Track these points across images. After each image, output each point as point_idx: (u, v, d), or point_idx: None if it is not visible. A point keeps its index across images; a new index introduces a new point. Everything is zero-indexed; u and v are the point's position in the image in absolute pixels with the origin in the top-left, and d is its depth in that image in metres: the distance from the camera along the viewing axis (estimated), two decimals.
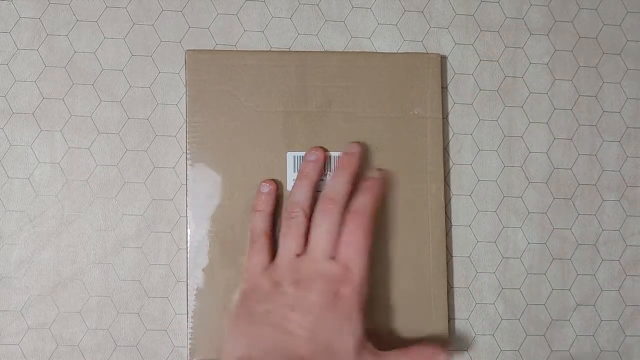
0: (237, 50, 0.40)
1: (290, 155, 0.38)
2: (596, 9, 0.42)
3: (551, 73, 0.42)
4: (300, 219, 0.35)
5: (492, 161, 0.41)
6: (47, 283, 0.38)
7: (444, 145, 0.39)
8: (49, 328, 0.38)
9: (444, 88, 0.41)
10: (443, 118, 0.40)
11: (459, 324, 0.40)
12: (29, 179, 0.38)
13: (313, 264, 0.34)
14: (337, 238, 0.34)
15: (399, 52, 0.41)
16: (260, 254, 0.35)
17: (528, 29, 0.42)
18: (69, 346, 0.38)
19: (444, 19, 0.41)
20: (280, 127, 0.38)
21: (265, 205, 0.36)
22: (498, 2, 0.42)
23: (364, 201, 0.35)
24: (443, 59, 0.41)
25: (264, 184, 0.37)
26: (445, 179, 0.39)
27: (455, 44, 0.41)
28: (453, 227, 0.40)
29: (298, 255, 0.34)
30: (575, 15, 0.42)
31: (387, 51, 0.41)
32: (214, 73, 0.38)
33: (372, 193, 0.36)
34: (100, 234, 0.39)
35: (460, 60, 0.41)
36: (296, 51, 0.40)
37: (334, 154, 0.38)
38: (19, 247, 0.38)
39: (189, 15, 0.40)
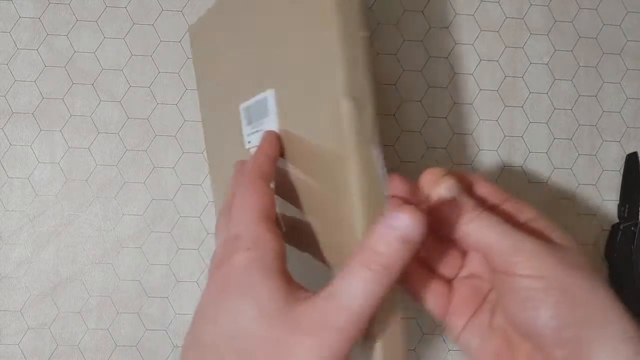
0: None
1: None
2: (596, 9, 0.42)
3: (551, 73, 0.42)
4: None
5: (492, 161, 0.41)
6: (47, 283, 0.38)
7: None
8: (49, 328, 0.38)
9: None
10: None
11: None
12: (28, 178, 0.38)
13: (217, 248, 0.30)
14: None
15: None
16: None
17: (528, 28, 0.42)
18: (68, 346, 0.38)
19: (444, 18, 0.41)
20: None
21: None
22: (498, 2, 0.42)
23: (249, 161, 0.31)
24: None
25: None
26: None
27: (456, 43, 0.41)
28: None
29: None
30: (576, 15, 0.42)
31: (387, 51, 0.41)
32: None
33: (259, 151, 0.31)
34: (100, 234, 0.39)
35: (460, 59, 0.41)
36: None
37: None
38: (19, 247, 0.38)
39: (189, 15, 0.40)
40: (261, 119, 0.31)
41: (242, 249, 0.27)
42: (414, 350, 0.40)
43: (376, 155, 0.27)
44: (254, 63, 0.31)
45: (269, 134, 0.32)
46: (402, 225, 0.24)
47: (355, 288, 0.25)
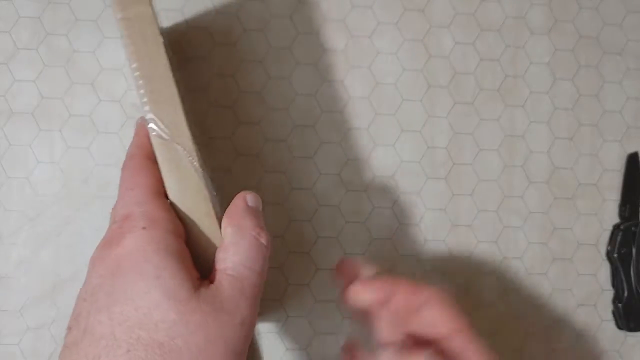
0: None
1: None
2: (597, 9, 0.42)
3: (552, 73, 0.42)
4: None
5: (493, 161, 0.41)
6: (47, 283, 0.38)
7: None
8: (49, 328, 0.38)
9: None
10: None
11: None
12: (28, 178, 0.38)
13: None
14: None
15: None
16: None
17: (529, 28, 0.42)
18: None
19: (444, 18, 0.41)
20: None
21: None
22: (499, 2, 0.42)
23: (131, 143, 0.30)
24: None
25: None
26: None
27: (456, 43, 0.41)
28: (453, 226, 0.40)
29: None
30: (576, 14, 0.42)
31: (387, 52, 0.41)
32: None
33: (140, 133, 0.30)
34: (99, 234, 0.38)
35: (460, 59, 0.41)
36: None
37: None
38: (18, 247, 0.38)
39: (189, 15, 0.40)
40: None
41: (136, 228, 0.25)
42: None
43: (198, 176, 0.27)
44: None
45: (142, 119, 0.31)
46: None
47: (251, 260, 0.26)
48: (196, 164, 0.27)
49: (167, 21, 0.40)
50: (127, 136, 0.39)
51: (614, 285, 0.41)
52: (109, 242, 0.26)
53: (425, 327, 0.29)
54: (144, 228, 0.25)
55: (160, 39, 0.27)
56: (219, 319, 0.24)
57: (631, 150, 0.42)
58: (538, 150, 0.41)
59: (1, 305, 0.38)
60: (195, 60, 0.40)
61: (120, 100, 0.39)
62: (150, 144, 0.28)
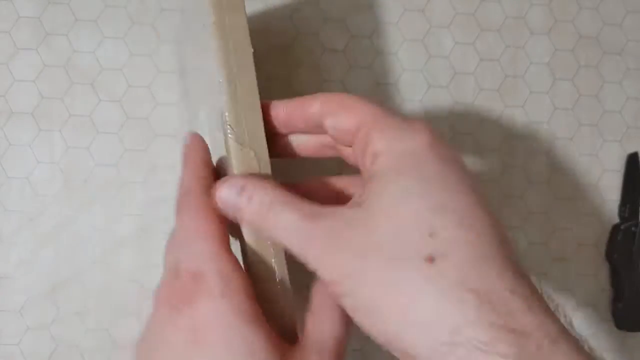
0: None
1: None
2: (597, 9, 0.42)
3: (552, 73, 0.42)
4: None
5: (493, 161, 0.41)
6: (47, 283, 0.38)
7: None
8: (48, 328, 0.38)
9: None
10: None
11: None
12: (28, 178, 0.38)
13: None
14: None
15: None
16: None
17: (529, 28, 0.42)
18: (68, 346, 0.38)
19: (444, 18, 0.41)
20: None
21: None
22: (499, 2, 0.42)
23: (186, 174, 0.28)
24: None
25: None
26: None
27: (456, 43, 0.41)
28: None
29: None
30: (576, 14, 0.42)
31: (387, 51, 0.41)
32: None
33: (184, 165, 0.28)
34: (99, 234, 0.39)
35: (460, 59, 0.41)
36: None
37: None
38: (18, 247, 0.38)
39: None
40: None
41: (213, 292, 0.23)
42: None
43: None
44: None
45: (194, 138, 0.29)
46: None
47: (329, 332, 0.24)
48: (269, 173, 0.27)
49: (277, 27, 0.40)
50: (127, 136, 0.39)
51: (613, 285, 0.41)
52: (178, 303, 0.24)
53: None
54: (222, 294, 0.23)
55: (251, 49, 0.27)
56: None
57: (631, 150, 0.42)
58: (538, 150, 0.41)
59: (1, 305, 0.38)
60: (277, 49, 0.39)
61: (120, 100, 0.39)
62: (206, 173, 0.27)
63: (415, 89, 0.41)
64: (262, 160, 0.27)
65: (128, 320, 0.38)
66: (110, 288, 0.38)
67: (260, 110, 0.27)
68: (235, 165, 0.27)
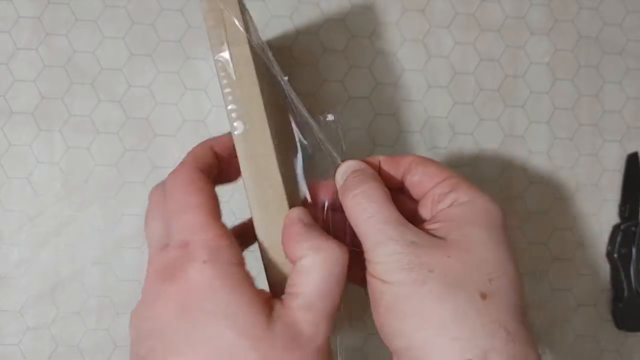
0: None
1: None
2: (597, 9, 0.42)
3: (552, 73, 0.42)
4: None
5: (493, 161, 0.41)
6: (47, 283, 0.38)
7: None
8: (49, 328, 0.38)
9: None
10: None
11: None
12: (28, 178, 0.38)
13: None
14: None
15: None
16: None
17: (529, 28, 0.42)
18: (68, 346, 0.38)
19: (444, 18, 0.41)
20: None
21: None
22: (499, 2, 0.42)
23: (188, 154, 0.29)
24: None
25: None
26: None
27: (456, 43, 0.41)
28: None
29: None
30: (576, 14, 0.42)
31: (387, 52, 0.41)
32: None
33: (201, 144, 0.29)
34: (99, 234, 0.39)
35: (460, 59, 0.41)
36: None
37: None
38: (18, 247, 0.38)
39: (189, 15, 0.40)
40: None
41: (197, 261, 0.24)
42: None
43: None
44: None
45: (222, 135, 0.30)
46: None
47: (320, 287, 0.25)
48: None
49: (277, 28, 0.40)
50: (127, 136, 0.39)
51: (613, 285, 0.41)
52: (167, 274, 0.25)
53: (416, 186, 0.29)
54: (205, 262, 0.24)
55: (256, 80, 0.27)
56: (295, 353, 0.24)
57: (631, 150, 0.42)
58: (538, 150, 0.41)
59: (1, 305, 0.38)
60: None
61: (120, 100, 0.39)
62: (203, 153, 0.28)
63: (415, 89, 0.41)
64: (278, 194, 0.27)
65: (128, 320, 0.38)
66: (110, 288, 0.38)
67: (270, 137, 0.27)
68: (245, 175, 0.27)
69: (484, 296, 0.24)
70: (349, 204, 0.27)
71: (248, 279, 0.25)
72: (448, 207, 0.27)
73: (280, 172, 0.27)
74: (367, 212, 0.26)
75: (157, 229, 0.27)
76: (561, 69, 0.42)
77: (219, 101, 0.39)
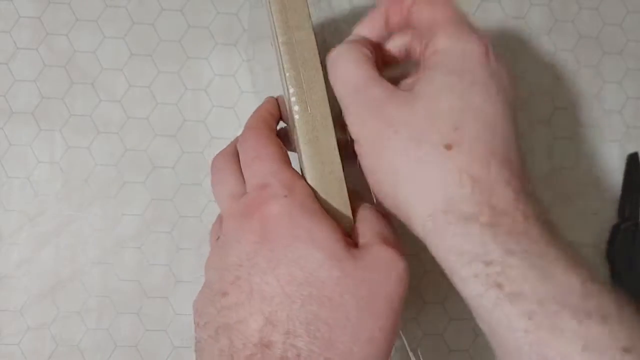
0: None
1: None
2: (597, 9, 0.42)
3: (552, 72, 0.42)
4: None
5: None
6: (47, 283, 0.38)
7: None
8: (49, 328, 0.38)
9: None
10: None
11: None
12: (28, 178, 0.38)
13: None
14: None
15: None
16: None
17: (529, 28, 0.42)
18: (68, 346, 0.38)
19: None
20: None
21: None
22: (499, 2, 0.42)
23: (252, 116, 0.31)
24: None
25: None
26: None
27: None
28: None
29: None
30: (576, 14, 0.42)
31: None
32: None
33: (261, 108, 0.32)
34: (99, 234, 0.39)
35: None
36: None
37: None
38: (18, 247, 0.38)
39: (189, 15, 0.40)
40: None
41: (278, 196, 0.26)
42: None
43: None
44: None
45: (269, 98, 0.33)
46: None
47: (387, 231, 0.27)
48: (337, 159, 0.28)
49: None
50: (128, 136, 0.39)
51: (613, 285, 0.41)
52: (246, 212, 0.26)
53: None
54: (285, 196, 0.26)
55: (320, 65, 0.28)
56: (376, 276, 0.25)
57: (631, 150, 0.42)
58: (539, 150, 0.41)
59: (1, 305, 0.38)
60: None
61: (120, 100, 0.39)
62: (268, 115, 0.30)
63: None
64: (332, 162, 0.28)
65: (128, 320, 0.38)
66: (110, 288, 0.38)
67: (332, 125, 0.28)
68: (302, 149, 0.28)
69: (448, 147, 0.24)
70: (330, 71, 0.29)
71: (323, 210, 0.27)
72: (428, 57, 0.27)
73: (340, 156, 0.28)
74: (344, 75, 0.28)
75: (228, 185, 0.29)
76: (561, 69, 0.42)
77: (219, 101, 0.40)
